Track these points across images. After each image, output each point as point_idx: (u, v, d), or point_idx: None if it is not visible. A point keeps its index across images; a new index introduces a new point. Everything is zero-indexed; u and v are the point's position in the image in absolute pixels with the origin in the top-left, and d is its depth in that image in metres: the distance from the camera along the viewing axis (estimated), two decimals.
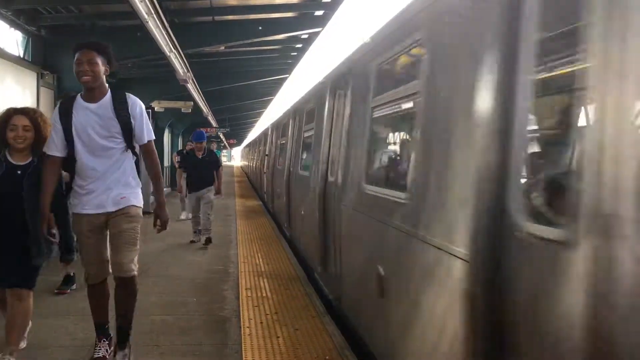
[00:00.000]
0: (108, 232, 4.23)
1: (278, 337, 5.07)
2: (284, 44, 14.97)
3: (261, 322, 5.48)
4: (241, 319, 5.59)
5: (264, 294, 6.56)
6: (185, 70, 11.68)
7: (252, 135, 36.43)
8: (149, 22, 7.48)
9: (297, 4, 11.33)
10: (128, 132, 4.12)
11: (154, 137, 4.34)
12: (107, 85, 4.15)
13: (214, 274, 7.65)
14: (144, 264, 8.21)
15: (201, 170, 10.08)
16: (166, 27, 8.33)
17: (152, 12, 7.36)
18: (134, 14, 7.11)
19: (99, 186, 4.12)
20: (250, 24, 11.54)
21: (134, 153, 4.26)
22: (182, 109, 18.84)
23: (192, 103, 18.10)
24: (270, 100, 29.17)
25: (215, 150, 21.47)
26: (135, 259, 4.23)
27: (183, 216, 12.88)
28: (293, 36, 13.62)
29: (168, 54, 9.55)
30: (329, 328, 5.33)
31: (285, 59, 17.30)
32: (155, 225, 4.34)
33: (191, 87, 14.16)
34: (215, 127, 30.89)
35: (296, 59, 16.96)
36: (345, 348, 4.81)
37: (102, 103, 4.08)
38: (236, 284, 7.07)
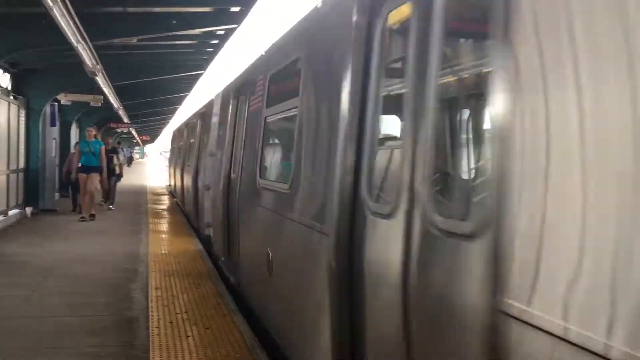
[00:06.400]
0: None
1: (188, 336, 5.01)
2: (199, 39, 14.67)
3: (171, 322, 5.39)
4: (150, 318, 5.47)
5: (174, 293, 6.45)
6: (95, 63, 11.22)
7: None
8: (54, 10, 7.14)
9: None
10: None
11: None
12: None
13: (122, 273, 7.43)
14: (47, 264, 7.88)
15: None
16: (73, 16, 7.96)
17: None
18: (37, 1, 6.75)
19: None
20: (163, 17, 11.23)
21: None
22: (92, 103, 18.04)
23: (102, 97, 17.41)
24: (186, 96, 28.55)
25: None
26: None
27: None
28: (209, 31, 13.36)
29: (75, 44, 9.14)
30: (240, 326, 5.32)
31: (200, 55, 17.01)
32: None
33: (101, 80, 13.62)
34: (127, 123, 29.86)
35: (212, 55, 16.72)
36: (256, 346, 4.83)
37: None
38: (145, 283, 6.90)
